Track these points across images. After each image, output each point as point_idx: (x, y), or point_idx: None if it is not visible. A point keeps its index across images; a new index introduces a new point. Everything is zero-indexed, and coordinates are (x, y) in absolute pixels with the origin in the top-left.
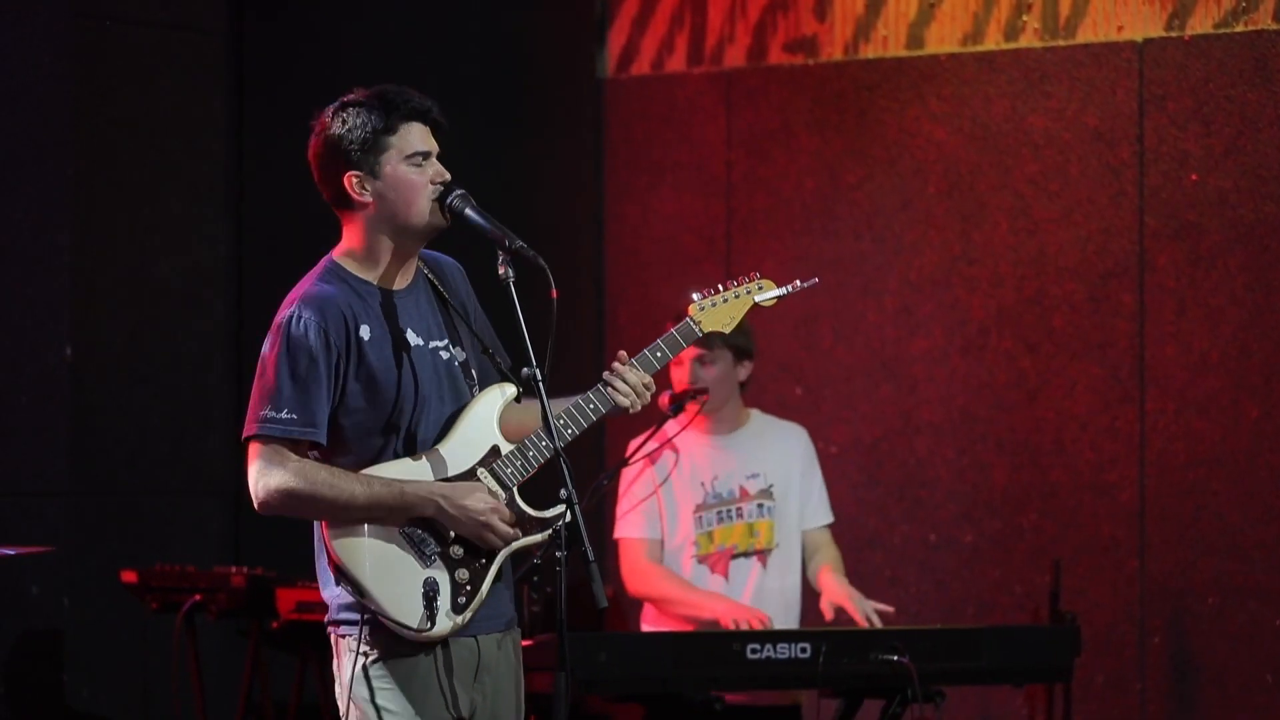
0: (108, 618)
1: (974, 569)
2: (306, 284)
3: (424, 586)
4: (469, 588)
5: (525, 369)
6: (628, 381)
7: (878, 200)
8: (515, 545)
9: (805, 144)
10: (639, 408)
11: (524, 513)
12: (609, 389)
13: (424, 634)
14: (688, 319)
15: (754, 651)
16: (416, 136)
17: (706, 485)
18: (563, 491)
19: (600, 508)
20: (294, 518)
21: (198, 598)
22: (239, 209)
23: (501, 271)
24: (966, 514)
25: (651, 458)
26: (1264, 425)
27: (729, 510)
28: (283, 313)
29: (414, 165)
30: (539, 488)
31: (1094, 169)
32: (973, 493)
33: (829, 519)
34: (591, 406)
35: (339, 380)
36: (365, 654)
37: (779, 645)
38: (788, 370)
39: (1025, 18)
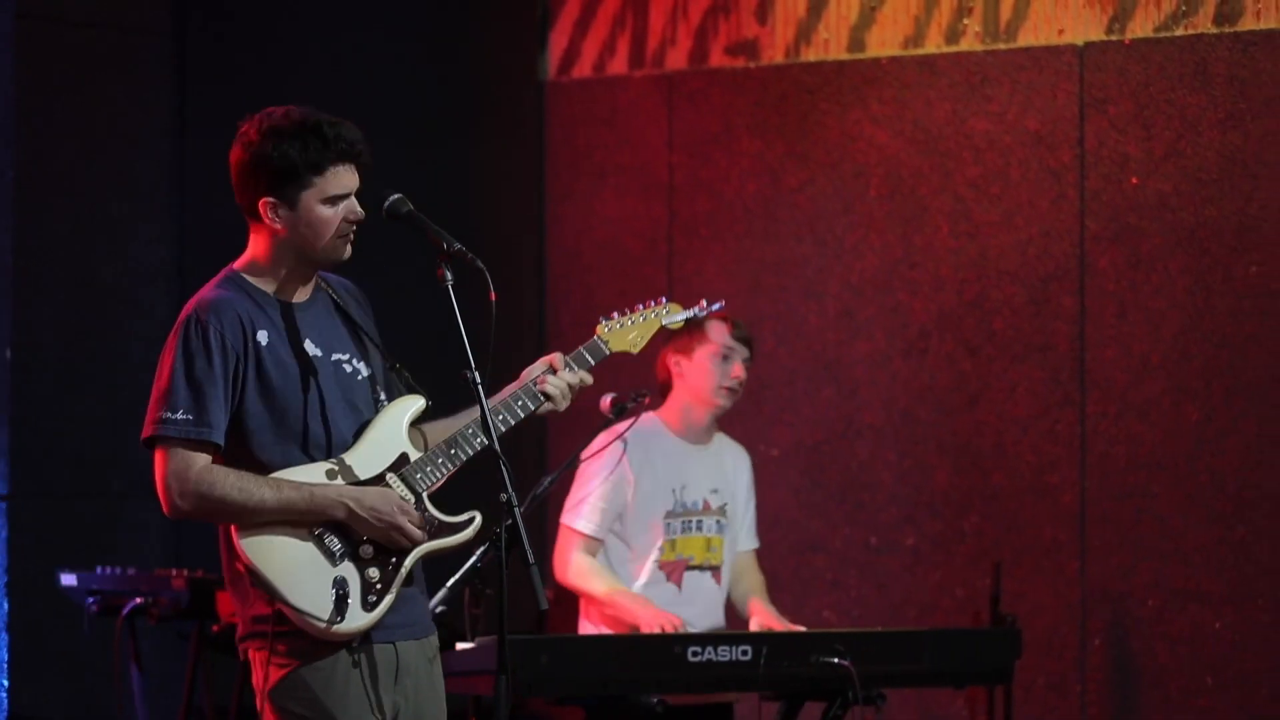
0: (48, 621)
1: (915, 572)
2: (205, 291)
3: (334, 585)
4: (379, 586)
5: (465, 372)
6: (566, 380)
7: (819, 203)
8: (425, 549)
9: (747, 147)
10: (563, 407)
11: (434, 518)
12: (538, 386)
13: (334, 629)
14: (596, 338)
15: (695, 654)
16: (342, 180)
17: (676, 492)
18: (503, 495)
19: (542, 510)
20: (206, 521)
21: (138, 601)
22: (181, 210)
23: (440, 274)
24: (908, 517)
25: (631, 457)
26: (1204, 429)
27: (692, 521)
28: (182, 317)
29: (330, 205)
30: (457, 495)
31: (1035, 172)
32: (914, 495)
33: (758, 544)
34: (520, 404)
35: (238, 384)
36: (281, 664)
37: (720, 648)
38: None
39: (966, 21)
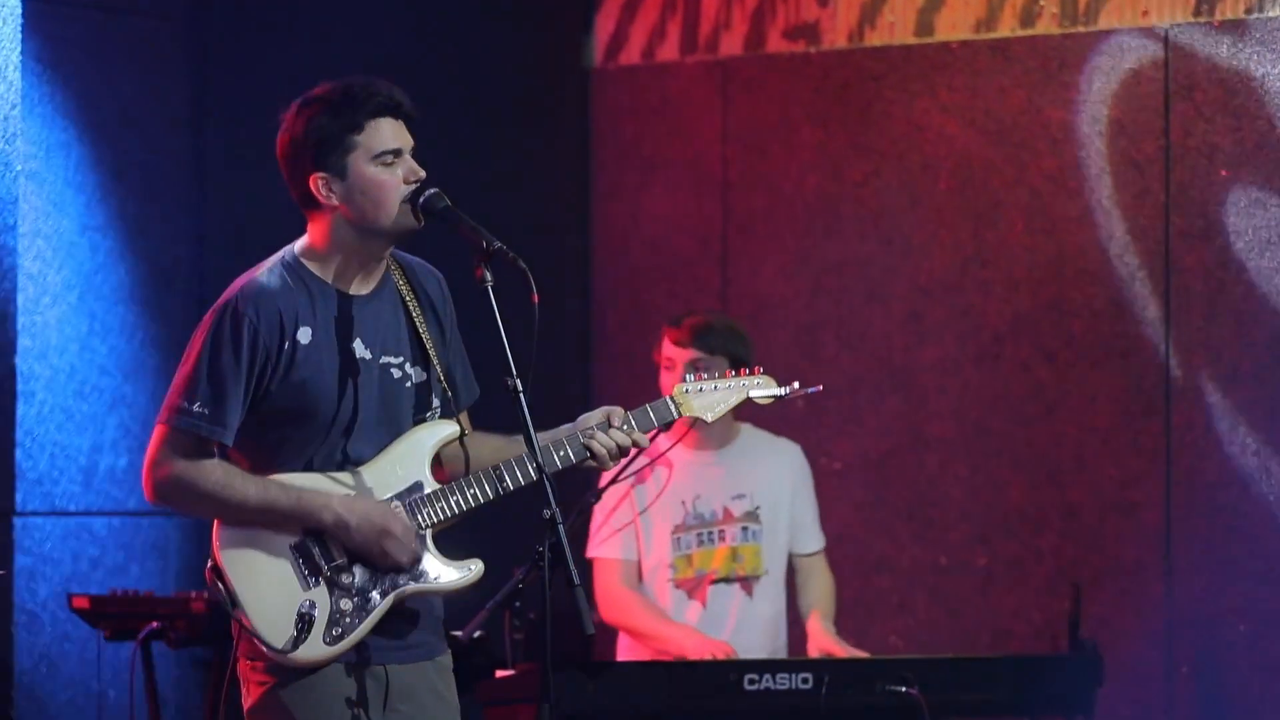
0: (58, 647)
1: (988, 594)
2: (255, 273)
3: (300, 608)
4: (349, 620)
5: (507, 379)
6: (615, 440)
7: (884, 198)
8: (411, 589)
9: (806, 138)
10: (609, 467)
11: (432, 558)
12: (586, 440)
13: (287, 657)
14: (668, 398)
15: (752, 682)
16: (386, 134)
17: (687, 505)
18: (546, 511)
19: (585, 528)
20: (184, 513)
21: (156, 625)
22: (201, 207)
23: (479, 275)
24: (980, 535)
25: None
26: None
27: (710, 533)
28: (221, 300)
29: (384, 164)
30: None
31: (1116, 165)
32: (986, 512)
33: (821, 544)
34: (562, 453)
35: (262, 383)
36: (260, 682)
37: (779, 676)
38: (788, 381)
39: (1042, 3)
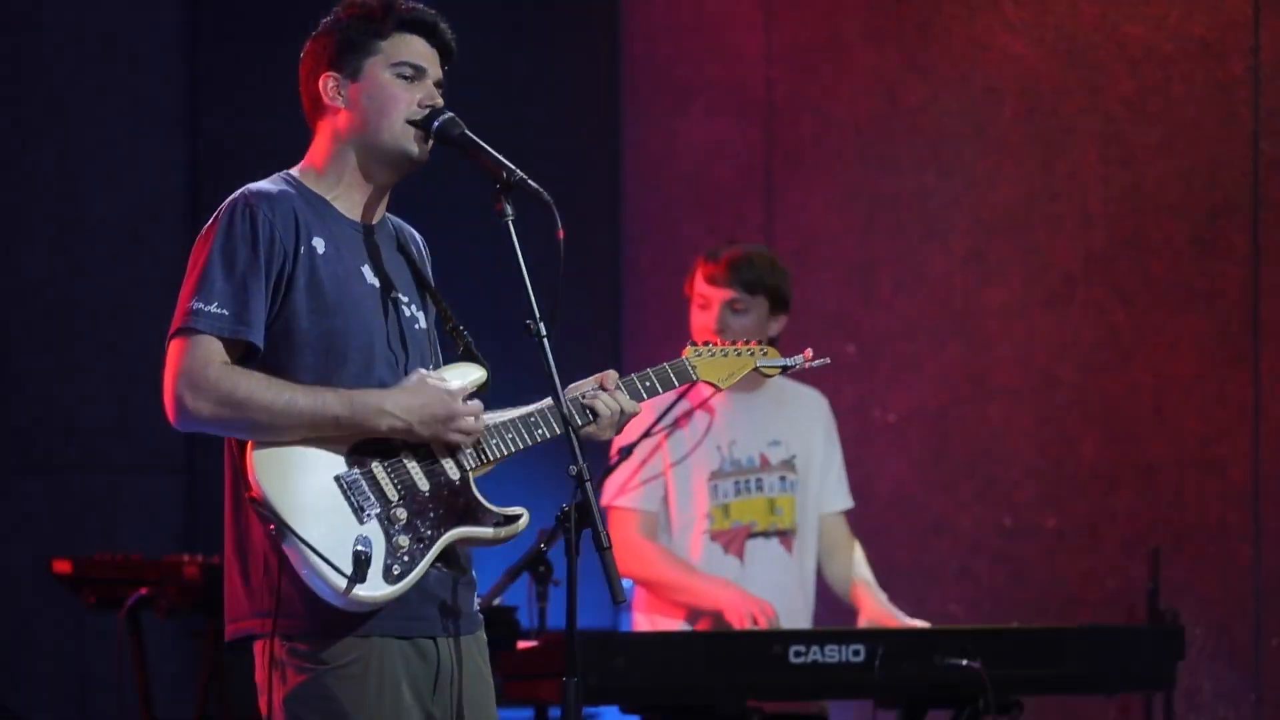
0: (40, 614)
1: (1057, 559)
2: (255, 184)
3: (357, 542)
4: (406, 559)
5: (529, 323)
6: (619, 402)
7: (944, 125)
8: (460, 534)
9: (859, 58)
10: (608, 435)
11: (478, 502)
12: (594, 399)
13: (353, 593)
14: (684, 359)
15: (798, 655)
16: (414, 48)
17: (723, 450)
18: (572, 467)
19: None
20: (216, 433)
21: (144, 591)
22: (193, 134)
23: (499, 208)
24: (1049, 494)
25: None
26: None
27: (748, 481)
28: (228, 202)
29: (401, 77)
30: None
31: (1201, 87)
32: (1056, 469)
33: (849, 503)
34: (557, 418)
35: (282, 287)
36: (301, 668)
37: (828, 647)
38: (839, 326)
39: None
